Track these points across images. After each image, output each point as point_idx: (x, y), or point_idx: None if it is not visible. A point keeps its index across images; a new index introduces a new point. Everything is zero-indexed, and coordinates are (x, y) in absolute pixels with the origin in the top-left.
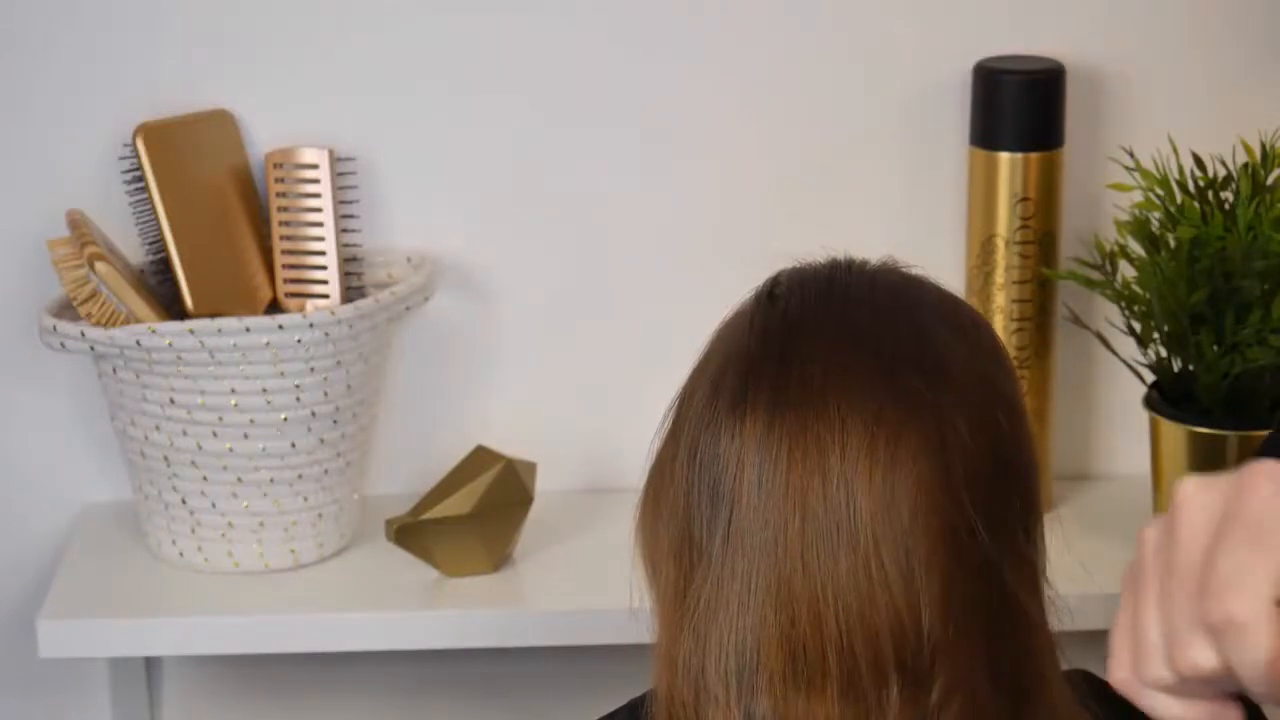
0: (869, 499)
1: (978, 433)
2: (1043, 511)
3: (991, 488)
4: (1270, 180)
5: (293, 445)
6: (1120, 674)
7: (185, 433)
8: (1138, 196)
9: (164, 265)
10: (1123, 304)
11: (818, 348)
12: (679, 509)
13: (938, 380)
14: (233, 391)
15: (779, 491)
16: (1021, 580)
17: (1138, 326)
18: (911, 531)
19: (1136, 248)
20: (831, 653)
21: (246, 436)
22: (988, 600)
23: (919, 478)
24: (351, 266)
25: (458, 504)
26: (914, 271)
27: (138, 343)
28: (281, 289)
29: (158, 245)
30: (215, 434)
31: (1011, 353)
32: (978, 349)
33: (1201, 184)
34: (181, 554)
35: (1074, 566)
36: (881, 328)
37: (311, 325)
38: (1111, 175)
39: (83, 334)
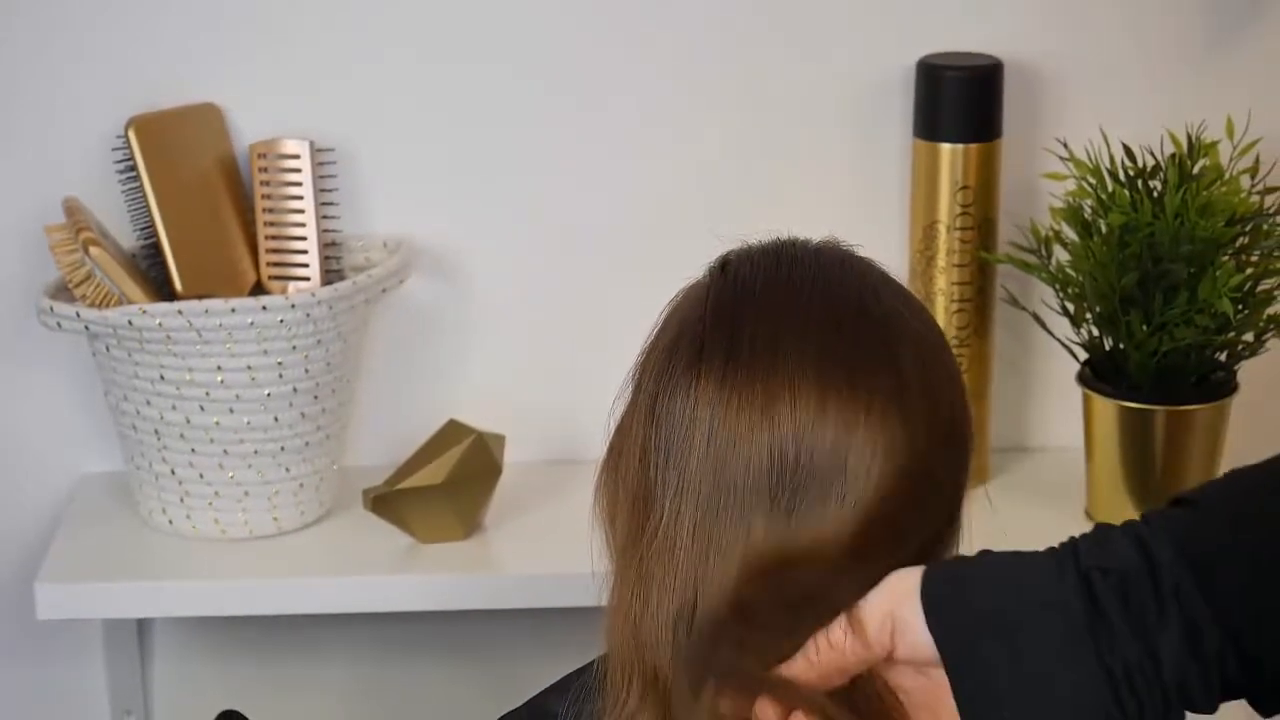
0: (818, 450)
1: (923, 395)
2: (966, 482)
3: (930, 449)
4: (1196, 170)
5: (275, 419)
6: None
7: (174, 407)
8: (1071, 185)
9: (154, 249)
10: (1057, 286)
11: (769, 310)
12: (634, 465)
13: (884, 339)
14: (219, 368)
15: (729, 444)
16: (937, 544)
17: (1071, 307)
18: (859, 480)
19: (1070, 233)
20: (777, 599)
21: (232, 411)
22: (917, 551)
23: (871, 429)
24: (331, 251)
25: (431, 474)
26: (855, 250)
27: (129, 323)
28: (265, 272)
29: (148, 231)
30: (203, 408)
31: (952, 332)
32: (918, 314)
33: (1131, 173)
34: (171, 521)
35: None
36: (829, 291)
37: (293, 306)
38: (1046, 165)
39: (78, 314)
